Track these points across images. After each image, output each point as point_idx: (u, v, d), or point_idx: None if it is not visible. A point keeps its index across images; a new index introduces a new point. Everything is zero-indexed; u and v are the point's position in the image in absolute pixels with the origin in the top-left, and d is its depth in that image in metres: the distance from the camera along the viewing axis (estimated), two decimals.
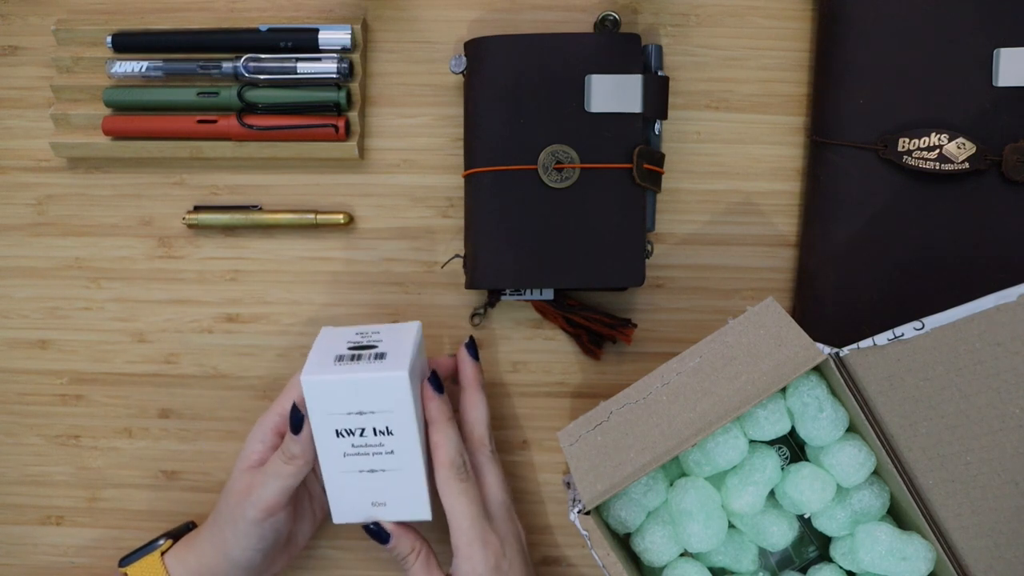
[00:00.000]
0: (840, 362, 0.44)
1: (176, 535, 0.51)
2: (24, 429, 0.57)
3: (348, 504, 0.48)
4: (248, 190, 0.56)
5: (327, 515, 0.53)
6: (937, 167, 0.50)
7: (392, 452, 0.46)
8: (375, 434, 0.46)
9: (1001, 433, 0.41)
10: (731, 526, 0.46)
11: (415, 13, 0.55)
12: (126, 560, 0.50)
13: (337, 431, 0.46)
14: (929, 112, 0.50)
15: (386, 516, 0.48)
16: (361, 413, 0.45)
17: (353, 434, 0.46)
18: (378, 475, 0.47)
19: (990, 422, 0.41)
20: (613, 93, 0.50)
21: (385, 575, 0.56)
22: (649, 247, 0.52)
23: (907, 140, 0.50)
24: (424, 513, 0.48)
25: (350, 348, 0.47)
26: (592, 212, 0.50)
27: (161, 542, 0.50)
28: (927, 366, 0.42)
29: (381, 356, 0.46)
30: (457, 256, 0.54)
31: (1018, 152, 0.49)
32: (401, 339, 0.47)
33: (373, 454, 0.46)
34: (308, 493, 0.52)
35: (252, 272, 0.56)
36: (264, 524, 0.47)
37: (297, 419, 0.46)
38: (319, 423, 0.46)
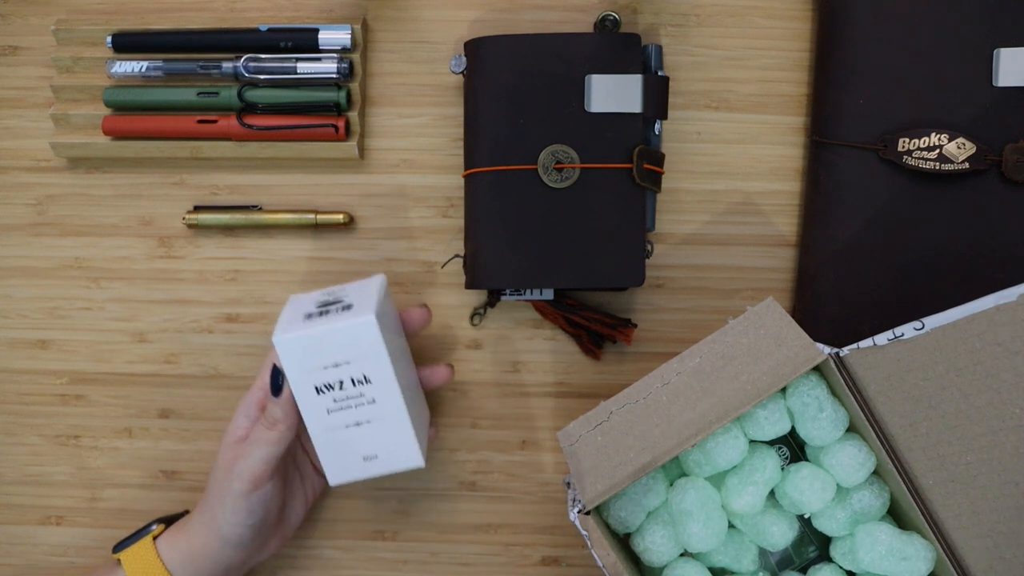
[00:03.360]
0: (840, 362, 0.44)
1: (170, 521, 0.51)
2: (24, 429, 0.57)
3: (340, 463, 0.48)
4: (248, 190, 0.56)
5: (321, 492, 0.54)
6: (937, 167, 0.50)
7: (374, 401, 0.46)
8: (354, 384, 0.46)
9: (1001, 433, 0.41)
10: (731, 526, 0.46)
11: (415, 13, 0.55)
12: (119, 546, 0.50)
13: (316, 388, 0.46)
14: (929, 112, 0.50)
15: (380, 469, 0.48)
16: (337, 365, 0.45)
17: (333, 388, 0.46)
18: (364, 427, 0.47)
19: (990, 422, 0.41)
20: (613, 93, 0.50)
21: (385, 575, 0.56)
22: (649, 247, 0.52)
23: (907, 140, 0.50)
24: (416, 460, 0.48)
25: (318, 307, 0.47)
26: (592, 212, 0.50)
27: (153, 527, 0.50)
28: (927, 366, 0.42)
29: (348, 307, 0.46)
30: (457, 256, 0.54)
31: (1018, 152, 0.49)
32: (366, 291, 0.48)
33: (356, 406, 0.46)
34: (299, 472, 0.52)
35: (252, 272, 0.56)
36: (252, 496, 0.47)
37: (276, 381, 0.46)
38: (298, 383, 0.46)
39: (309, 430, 0.47)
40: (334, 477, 0.48)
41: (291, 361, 0.45)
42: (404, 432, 0.47)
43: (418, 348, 0.55)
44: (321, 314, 0.46)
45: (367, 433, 0.47)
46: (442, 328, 0.56)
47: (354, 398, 0.46)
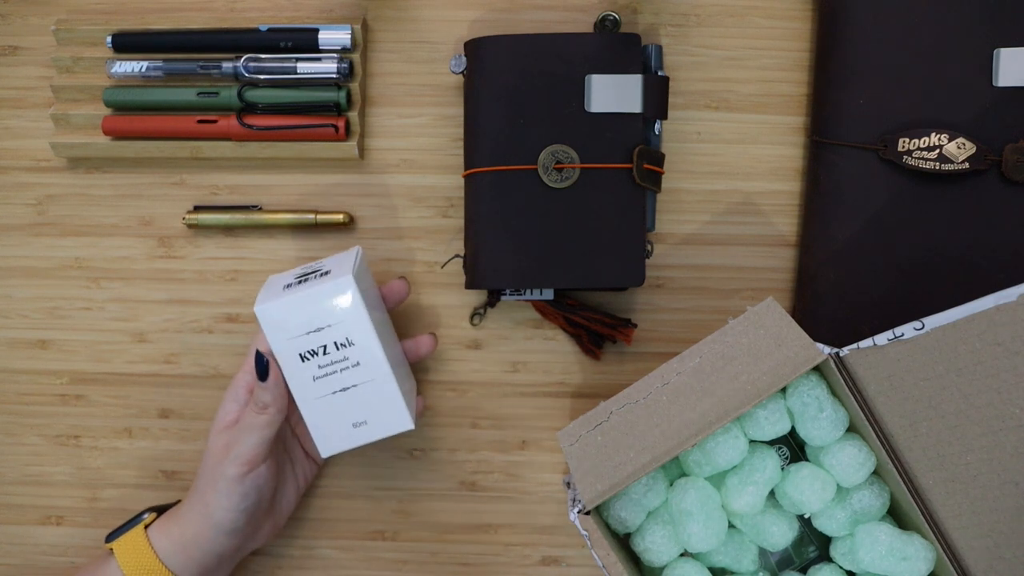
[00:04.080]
0: (840, 362, 0.44)
1: (162, 510, 0.51)
2: (24, 429, 0.57)
3: (330, 433, 0.48)
4: (248, 190, 0.56)
5: (313, 479, 0.54)
6: (937, 167, 0.50)
7: (358, 364, 0.46)
8: (337, 348, 0.46)
9: (1001, 433, 0.41)
10: (731, 526, 0.46)
11: (415, 13, 0.55)
12: (111, 536, 0.49)
13: (301, 355, 0.46)
14: (929, 112, 0.50)
15: (370, 435, 0.48)
16: (318, 330, 0.46)
17: (316, 354, 0.46)
18: (351, 392, 0.47)
19: (990, 422, 0.41)
20: (613, 93, 0.50)
21: (385, 575, 0.56)
22: (649, 247, 0.52)
23: (907, 140, 0.50)
24: (405, 423, 0.48)
25: (296, 278, 0.48)
26: (592, 212, 0.50)
27: (145, 516, 0.50)
28: (927, 366, 0.42)
29: (326, 274, 0.47)
30: (457, 256, 0.54)
31: (1018, 152, 0.49)
32: (343, 260, 0.48)
33: (341, 370, 0.47)
34: (289, 458, 0.52)
35: (252, 272, 0.56)
36: (245, 480, 0.47)
37: (263, 365, 0.46)
38: (282, 352, 0.46)
39: (296, 400, 0.47)
40: (325, 448, 0.48)
41: (273, 329, 0.46)
42: (391, 394, 0.47)
43: (412, 339, 0.55)
44: (300, 283, 0.47)
45: (355, 398, 0.47)
46: (442, 328, 0.56)
47: (338, 362, 0.46)
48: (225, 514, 0.47)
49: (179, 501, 0.53)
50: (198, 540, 0.48)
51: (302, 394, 0.47)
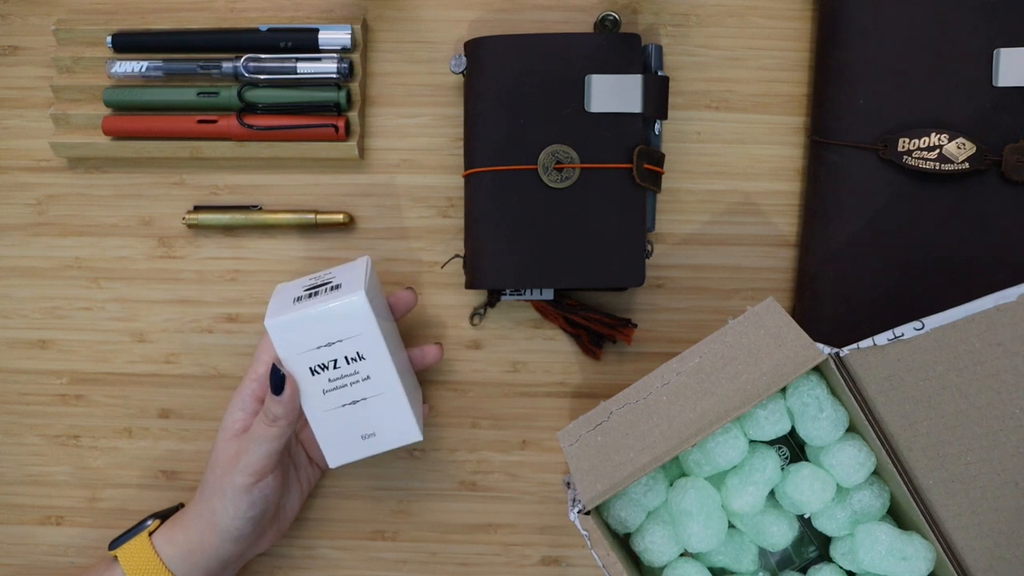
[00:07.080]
0: (840, 362, 0.44)
1: (165, 516, 0.51)
2: (24, 429, 0.57)
3: (339, 445, 0.48)
4: (248, 190, 0.56)
5: (316, 484, 0.54)
6: (937, 167, 0.50)
7: (368, 378, 0.47)
8: (348, 362, 0.46)
9: (1001, 433, 0.41)
10: (731, 526, 0.46)
11: (415, 13, 0.55)
12: (115, 543, 0.49)
13: (311, 369, 0.46)
14: (929, 112, 0.50)
15: (379, 447, 0.48)
16: (329, 344, 0.46)
17: (327, 368, 0.46)
18: (360, 405, 0.47)
19: (990, 422, 0.41)
20: (613, 93, 0.50)
21: (385, 575, 0.56)
22: (649, 247, 0.52)
23: (907, 140, 0.50)
24: (414, 435, 0.48)
25: (306, 290, 0.48)
26: (592, 212, 0.50)
27: (149, 523, 0.50)
28: (927, 366, 0.42)
29: (336, 287, 0.47)
30: (457, 256, 0.54)
31: (1018, 152, 0.49)
32: (353, 271, 0.48)
33: (351, 384, 0.47)
34: (293, 464, 0.52)
35: (252, 272, 0.56)
36: (253, 490, 0.47)
37: (278, 379, 0.46)
38: (292, 365, 0.46)
39: (306, 412, 0.47)
40: (333, 459, 0.48)
41: (283, 344, 0.46)
42: (400, 407, 0.47)
43: (419, 348, 0.55)
44: (310, 296, 0.47)
45: (364, 411, 0.47)
46: (442, 328, 0.56)
47: (348, 376, 0.46)
48: (232, 522, 0.47)
49: (181, 505, 0.53)
50: (204, 547, 0.48)
51: (311, 407, 0.47)
